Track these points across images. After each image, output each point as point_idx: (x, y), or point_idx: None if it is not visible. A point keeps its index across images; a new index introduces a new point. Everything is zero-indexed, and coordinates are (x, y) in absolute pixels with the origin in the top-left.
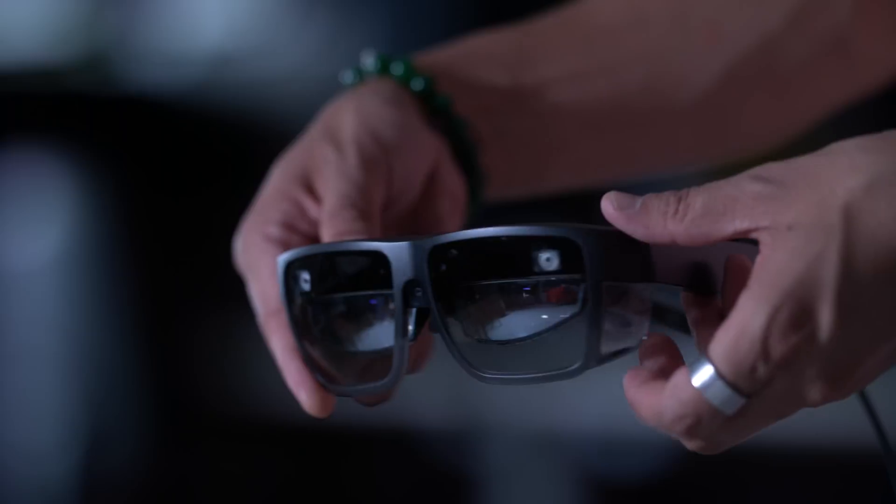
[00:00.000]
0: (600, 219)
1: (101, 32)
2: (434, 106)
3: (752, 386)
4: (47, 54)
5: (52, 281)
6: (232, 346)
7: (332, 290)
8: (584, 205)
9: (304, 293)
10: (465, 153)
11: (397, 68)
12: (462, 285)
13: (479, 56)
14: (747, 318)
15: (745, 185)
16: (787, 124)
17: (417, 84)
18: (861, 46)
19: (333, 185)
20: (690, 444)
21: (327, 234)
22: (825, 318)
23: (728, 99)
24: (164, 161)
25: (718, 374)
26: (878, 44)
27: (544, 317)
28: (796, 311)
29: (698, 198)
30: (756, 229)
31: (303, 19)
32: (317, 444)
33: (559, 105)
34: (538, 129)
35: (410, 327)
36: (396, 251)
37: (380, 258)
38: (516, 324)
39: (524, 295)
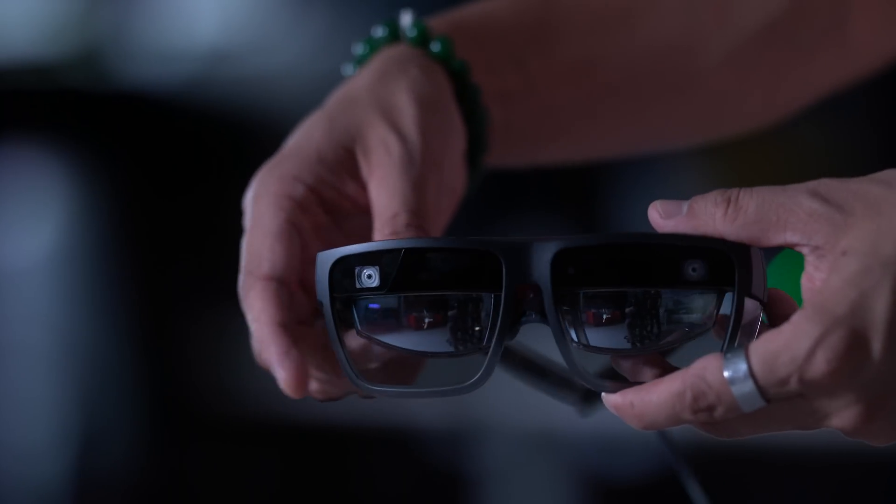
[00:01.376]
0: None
1: (96, 28)
2: (464, 92)
3: (778, 395)
4: (41, 50)
5: (45, 279)
6: (227, 345)
7: (411, 287)
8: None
9: (367, 289)
10: (477, 146)
11: (436, 46)
12: (583, 290)
13: (504, 29)
14: (798, 334)
15: (801, 200)
16: (782, 106)
17: (454, 66)
18: (858, 33)
19: (394, 184)
20: (705, 429)
21: (379, 237)
22: (875, 350)
23: (729, 81)
24: (159, 158)
25: (751, 372)
26: (874, 31)
27: (672, 327)
28: (848, 339)
29: (751, 202)
30: (807, 245)
31: (298, 15)
32: (313, 443)
33: (568, 92)
34: (543, 119)
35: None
36: (511, 252)
37: (485, 257)
38: (641, 333)
39: (651, 304)
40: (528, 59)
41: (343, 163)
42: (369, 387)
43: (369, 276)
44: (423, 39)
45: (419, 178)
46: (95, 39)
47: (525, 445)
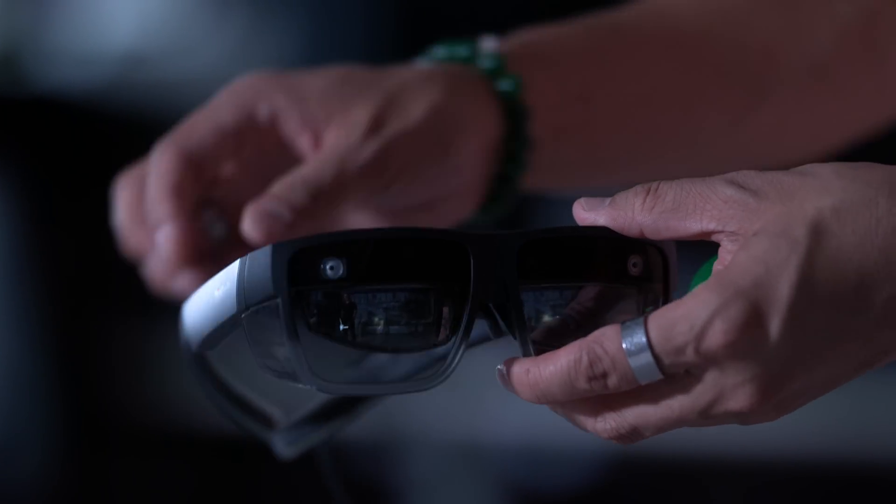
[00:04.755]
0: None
1: (11, 31)
2: (513, 113)
3: (673, 366)
4: None
5: None
6: (146, 354)
7: (380, 279)
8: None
9: (333, 281)
10: (511, 172)
11: (506, 83)
12: (544, 285)
13: (575, 59)
14: (697, 304)
15: (718, 187)
16: (814, 146)
17: (506, 84)
18: (894, 72)
19: (324, 160)
20: (604, 426)
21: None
22: (773, 326)
23: (773, 120)
24: (74, 162)
25: (648, 341)
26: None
27: (617, 321)
28: (747, 312)
29: (670, 192)
30: (722, 232)
31: (217, 19)
32: (233, 454)
33: (628, 131)
34: (598, 155)
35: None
36: (480, 244)
37: (453, 250)
38: (586, 327)
39: (602, 299)
40: (595, 95)
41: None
42: (329, 385)
43: (332, 268)
44: (496, 72)
45: (350, 173)
46: (11, 42)
47: (449, 457)
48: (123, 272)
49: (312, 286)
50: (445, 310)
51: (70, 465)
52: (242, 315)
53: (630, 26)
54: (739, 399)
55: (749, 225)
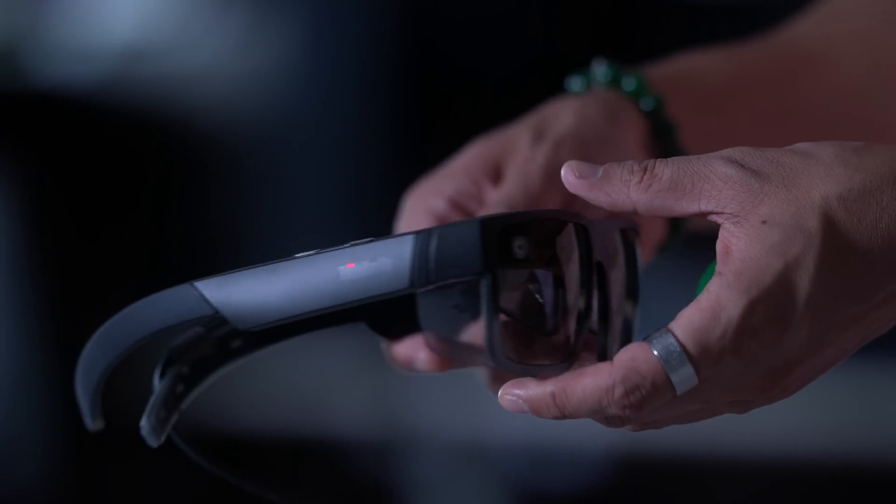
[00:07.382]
0: None
1: (10, 27)
2: (659, 129)
3: (708, 370)
4: None
5: None
6: (146, 355)
7: (544, 260)
8: None
9: (523, 260)
10: None
11: (629, 83)
12: (609, 270)
13: (701, 79)
14: (724, 303)
15: (716, 166)
16: None
17: (648, 103)
18: None
19: (509, 180)
20: (623, 424)
21: None
22: (795, 323)
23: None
24: (74, 158)
25: (684, 351)
26: None
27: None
28: (773, 310)
29: (666, 170)
30: (721, 213)
31: (218, 14)
32: (236, 454)
33: (769, 136)
34: None
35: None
36: (595, 227)
37: (580, 233)
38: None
39: (638, 285)
40: (726, 105)
41: (487, 173)
42: (512, 364)
43: (520, 247)
44: (615, 79)
45: (535, 180)
46: (10, 37)
47: (455, 457)
48: (123, 272)
49: (511, 265)
50: (588, 291)
51: (69, 467)
52: (419, 290)
53: (748, 63)
54: (749, 391)
55: (751, 207)
